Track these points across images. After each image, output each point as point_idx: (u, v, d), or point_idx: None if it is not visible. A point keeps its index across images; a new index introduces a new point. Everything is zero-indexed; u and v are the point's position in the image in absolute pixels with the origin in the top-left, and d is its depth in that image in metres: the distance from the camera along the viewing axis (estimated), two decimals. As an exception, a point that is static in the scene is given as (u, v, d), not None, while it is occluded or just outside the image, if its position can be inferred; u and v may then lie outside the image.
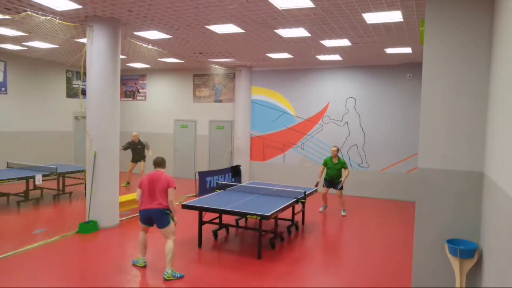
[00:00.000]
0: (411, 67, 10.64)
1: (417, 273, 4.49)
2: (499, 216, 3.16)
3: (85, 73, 7.31)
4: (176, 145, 14.05)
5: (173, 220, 5.18)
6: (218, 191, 7.78)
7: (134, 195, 8.62)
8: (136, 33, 8.13)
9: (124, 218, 7.98)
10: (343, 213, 8.92)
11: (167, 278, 5.01)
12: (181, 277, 5.11)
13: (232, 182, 11.25)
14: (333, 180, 8.89)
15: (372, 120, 11.21)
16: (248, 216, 5.86)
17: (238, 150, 12.69)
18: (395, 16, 6.40)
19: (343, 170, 8.82)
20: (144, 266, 5.45)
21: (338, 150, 8.89)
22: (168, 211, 5.12)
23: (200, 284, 4.97)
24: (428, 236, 4.43)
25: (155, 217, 5.13)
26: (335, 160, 8.80)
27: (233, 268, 5.52)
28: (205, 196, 7.24)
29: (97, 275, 5.15)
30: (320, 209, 9.18)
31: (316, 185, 8.74)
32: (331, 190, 9.09)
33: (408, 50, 9.03)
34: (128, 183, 12.01)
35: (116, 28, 7.22)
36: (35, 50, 10.35)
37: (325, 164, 8.92)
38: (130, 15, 6.86)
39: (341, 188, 8.82)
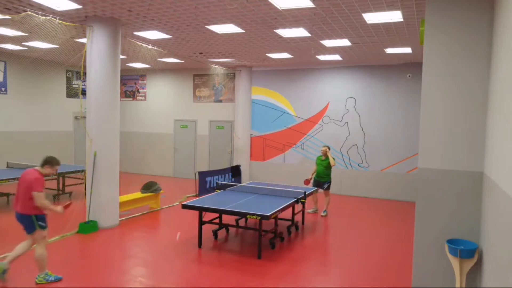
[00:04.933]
0: (411, 67, 10.64)
1: (417, 273, 4.49)
2: (499, 216, 3.16)
3: (85, 73, 7.31)
4: (176, 145, 14.05)
5: (41, 227, 4.75)
6: (218, 191, 7.77)
7: (134, 195, 8.64)
8: (136, 33, 8.13)
9: (124, 218, 7.98)
10: (323, 214, 8.85)
11: (39, 282, 4.77)
12: (58, 279, 4.85)
13: (232, 182, 11.25)
14: (319, 179, 8.84)
15: (372, 120, 11.21)
16: (248, 216, 5.86)
17: (238, 150, 12.69)
18: (395, 16, 6.40)
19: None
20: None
21: (328, 149, 8.87)
22: (33, 217, 4.68)
23: (200, 284, 4.97)
24: (428, 236, 4.42)
25: (20, 221, 4.76)
26: (324, 157, 8.87)
27: (233, 268, 5.52)
28: (205, 196, 7.24)
29: (96, 275, 5.15)
30: (309, 211, 9.09)
31: (306, 182, 8.88)
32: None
33: (408, 50, 9.03)
34: None
35: (116, 28, 7.22)
36: (35, 50, 10.34)
37: (316, 163, 9.02)
38: (130, 15, 6.86)
39: (328, 188, 8.81)
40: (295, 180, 11.50)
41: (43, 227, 4.77)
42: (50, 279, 4.83)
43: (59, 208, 4.77)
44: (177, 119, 14.04)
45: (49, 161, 4.83)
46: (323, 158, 8.89)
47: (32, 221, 4.70)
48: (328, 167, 8.79)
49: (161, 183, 9.71)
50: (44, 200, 4.64)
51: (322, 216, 8.82)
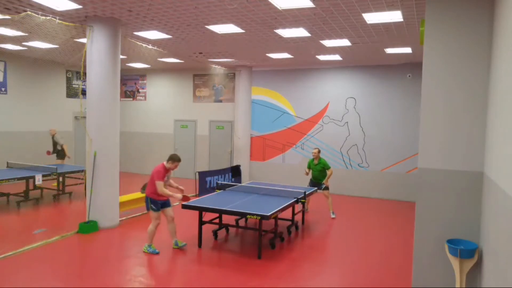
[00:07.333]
0: (411, 67, 10.65)
1: (417, 273, 4.49)
2: (499, 216, 3.16)
3: (85, 73, 7.31)
4: (176, 145, 14.05)
5: (152, 209, 5.93)
6: (218, 191, 7.78)
7: (134, 195, 8.64)
8: (136, 33, 8.13)
9: (124, 218, 7.98)
10: (332, 216, 8.74)
11: (144, 250, 6.06)
12: (154, 252, 5.98)
13: (232, 182, 11.26)
14: (316, 181, 8.80)
15: (372, 120, 11.21)
16: (248, 216, 5.87)
17: (238, 150, 12.69)
18: (395, 16, 6.40)
19: (327, 171, 8.74)
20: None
21: (319, 151, 8.81)
22: (148, 199, 5.93)
23: (200, 284, 4.97)
24: (428, 236, 4.43)
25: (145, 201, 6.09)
26: (316, 162, 8.76)
27: (233, 268, 5.52)
28: (205, 196, 7.25)
29: (97, 275, 5.15)
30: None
31: (306, 173, 8.83)
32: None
33: (408, 50, 9.03)
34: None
35: (116, 28, 7.22)
36: (35, 50, 10.35)
37: (309, 166, 8.90)
38: (130, 15, 6.86)
39: (326, 188, 8.70)
40: (295, 180, 11.51)
41: (154, 210, 5.94)
42: (149, 250, 6.02)
43: (179, 195, 5.82)
44: (177, 119, 14.04)
45: (171, 157, 5.96)
46: (316, 162, 8.74)
47: (147, 202, 5.95)
48: (323, 170, 8.69)
49: (161, 183, 9.68)
50: (163, 188, 5.78)
51: (332, 218, 8.65)
